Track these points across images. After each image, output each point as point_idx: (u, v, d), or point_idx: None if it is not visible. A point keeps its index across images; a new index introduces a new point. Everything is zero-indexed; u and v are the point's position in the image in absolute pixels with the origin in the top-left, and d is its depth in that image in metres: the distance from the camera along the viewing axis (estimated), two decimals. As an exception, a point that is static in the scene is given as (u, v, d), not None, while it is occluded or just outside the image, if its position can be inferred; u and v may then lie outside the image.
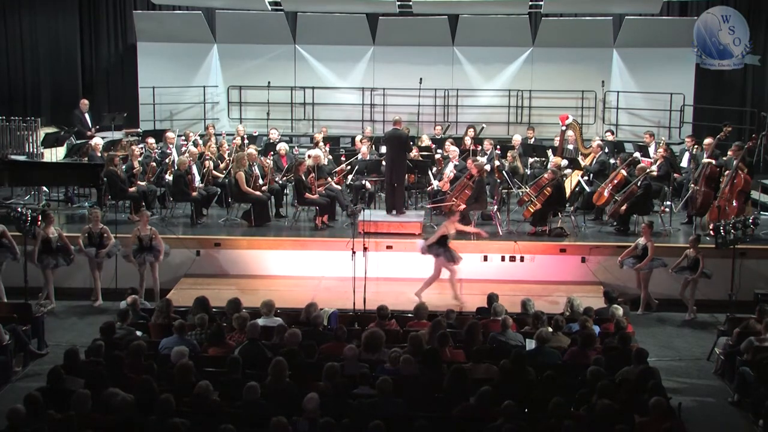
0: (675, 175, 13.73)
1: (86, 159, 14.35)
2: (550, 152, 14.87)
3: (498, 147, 14.57)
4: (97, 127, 16.47)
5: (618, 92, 18.29)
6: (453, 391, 7.07)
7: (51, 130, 16.25)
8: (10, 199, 14.07)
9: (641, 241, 11.28)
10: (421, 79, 17.72)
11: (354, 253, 10.54)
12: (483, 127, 17.04)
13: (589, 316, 9.18)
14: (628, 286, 11.64)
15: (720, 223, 10.94)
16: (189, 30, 18.67)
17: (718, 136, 13.28)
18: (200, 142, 15.31)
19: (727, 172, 12.41)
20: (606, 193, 12.90)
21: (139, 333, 8.91)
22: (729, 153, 12.78)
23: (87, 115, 16.42)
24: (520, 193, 13.23)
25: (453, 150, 14.35)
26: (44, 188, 14.31)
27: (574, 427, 6.43)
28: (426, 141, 15.72)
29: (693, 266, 11.02)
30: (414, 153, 13.98)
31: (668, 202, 13.58)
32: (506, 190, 13.32)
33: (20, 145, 15.16)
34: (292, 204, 13.75)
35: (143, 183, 13.53)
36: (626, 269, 11.44)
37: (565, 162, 13.79)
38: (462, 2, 17.79)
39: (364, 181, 13.97)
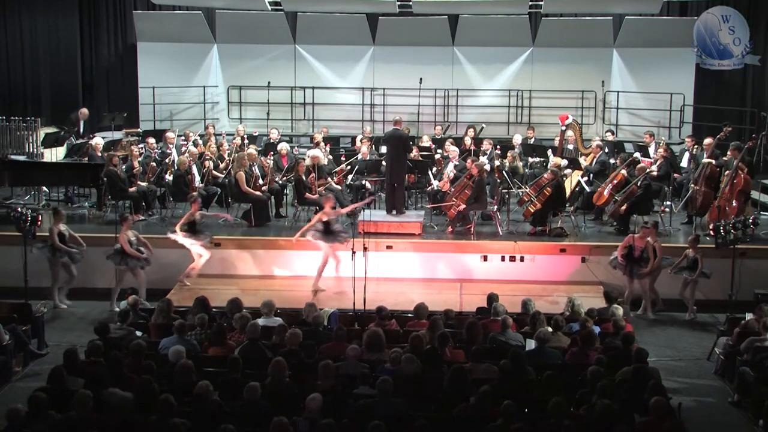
0: (675, 175, 13.73)
1: (86, 159, 14.36)
2: (550, 152, 14.87)
3: (498, 147, 14.59)
4: (87, 138, 16.43)
5: (618, 92, 18.29)
6: (453, 391, 7.07)
7: (51, 130, 16.25)
8: (10, 199, 14.07)
9: (632, 238, 11.25)
10: (421, 79, 17.72)
11: (354, 253, 10.55)
12: (483, 127, 17.05)
13: (591, 316, 9.18)
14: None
15: (720, 223, 10.93)
16: (189, 30, 18.68)
17: (718, 136, 13.29)
18: (200, 142, 15.31)
19: (727, 172, 12.40)
20: (606, 193, 12.90)
21: (139, 333, 8.92)
22: (728, 153, 12.78)
23: (82, 123, 16.41)
24: (520, 193, 13.23)
25: (453, 150, 14.35)
26: (44, 188, 14.31)
27: (574, 427, 6.43)
28: (426, 141, 15.72)
29: (692, 266, 11.01)
30: (414, 153, 13.99)
31: (668, 202, 13.58)
32: (506, 190, 13.32)
33: (20, 145, 15.15)
34: (292, 204, 13.75)
35: (143, 183, 13.54)
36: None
37: (565, 162, 13.79)
38: (462, 2, 17.79)
39: (364, 181, 13.97)
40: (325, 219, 11.38)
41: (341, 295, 11.03)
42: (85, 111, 16.65)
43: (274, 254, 12.26)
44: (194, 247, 11.59)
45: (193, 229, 11.57)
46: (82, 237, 12.12)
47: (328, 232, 11.38)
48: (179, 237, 11.50)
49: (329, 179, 13.58)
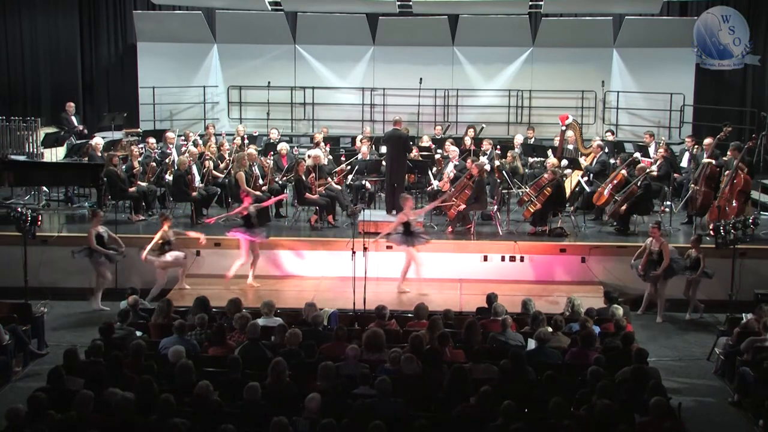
0: (675, 175, 13.73)
1: (86, 159, 14.35)
2: (550, 152, 14.86)
3: (498, 147, 14.59)
4: (83, 127, 16.42)
5: (618, 92, 18.30)
6: (453, 391, 7.07)
7: (51, 130, 16.26)
8: (10, 199, 14.06)
9: (649, 241, 11.22)
10: (421, 79, 17.71)
11: (354, 253, 10.55)
12: (483, 127, 17.04)
13: (591, 317, 9.18)
14: (628, 286, 11.63)
15: (720, 223, 10.93)
16: (189, 30, 18.68)
17: (718, 136, 13.29)
18: (200, 142, 15.31)
19: (727, 172, 12.40)
20: (606, 193, 12.90)
21: (139, 333, 8.91)
22: (728, 153, 12.78)
23: (73, 118, 16.40)
24: (520, 193, 13.23)
25: (453, 150, 14.35)
26: (44, 188, 14.31)
27: (574, 427, 6.43)
28: (426, 141, 15.72)
29: (695, 266, 11.01)
30: (414, 153, 13.99)
31: (668, 202, 13.58)
32: (506, 190, 13.32)
33: (20, 145, 15.15)
34: (292, 204, 13.75)
35: (143, 183, 13.54)
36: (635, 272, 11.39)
37: (564, 162, 13.80)
38: (462, 2, 17.80)
39: (364, 181, 13.97)
40: (405, 220, 11.34)
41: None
42: (71, 104, 16.58)
43: (274, 254, 12.25)
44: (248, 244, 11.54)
45: (248, 223, 11.56)
46: (82, 237, 12.13)
47: (408, 234, 11.34)
48: (236, 233, 11.53)
49: (329, 179, 13.58)
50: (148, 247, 11.28)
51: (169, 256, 11.37)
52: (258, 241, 11.64)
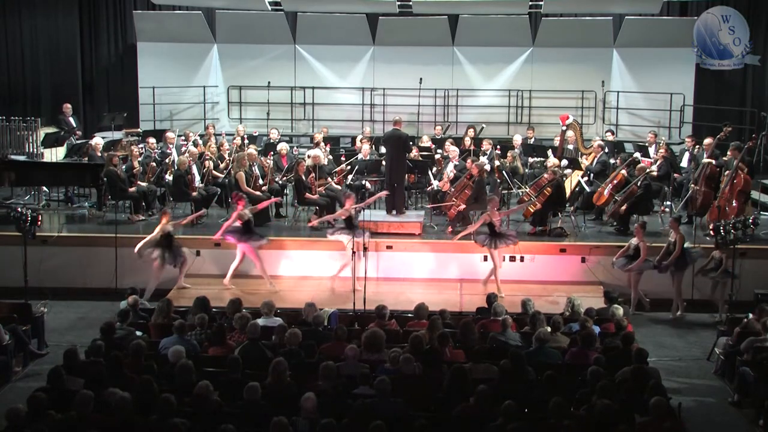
0: (675, 175, 13.73)
1: (86, 159, 14.35)
2: (550, 152, 14.86)
3: (498, 147, 14.59)
4: (79, 132, 16.41)
5: (618, 92, 18.30)
6: (453, 391, 7.07)
7: (51, 130, 16.25)
8: (10, 199, 14.06)
9: (634, 241, 11.26)
10: (421, 79, 17.72)
11: (354, 253, 10.54)
12: (483, 127, 17.04)
13: (591, 316, 9.18)
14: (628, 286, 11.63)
15: (720, 223, 10.94)
16: (189, 30, 18.68)
17: (718, 136, 13.29)
18: (200, 142, 15.31)
19: (727, 172, 12.41)
20: (606, 193, 12.90)
21: (139, 333, 8.91)
22: (728, 153, 12.78)
23: (71, 119, 16.38)
24: (520, 193, 13.22)
25: (453, 150, 14.35)
26: (44, 188, 14.30)
27: (574, 427, 6.43)
28: (426, 141, 15.72)
29: (719, 267, 10.97)
30: (414, 153, 13.99)
31: (668, 202, 13.59)
32: (506, 190, 13.31)
33: (20, 145, 15.15)
34: (292, 204, 13.75)
35: (143, 183, 13.54)
36: (618, 269, 11.42)
37: (565, 162, 13.80)
38: (462, 2, 17.80)
39: (364, 181, 13.97)
40: (488, 220, 11.31)
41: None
42: (67, 106, 16.55)
43: (274, 254, 12.24)
44: (350, 244, 11.44)
45: (350, 224, 11.55)
46: (82, 237, 12.17)
47: (493, 234, 11.32)
48: (338, 236, 11.51)
49: (329, 179, 13.58)
50: (223, 228, 11.40)
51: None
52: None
